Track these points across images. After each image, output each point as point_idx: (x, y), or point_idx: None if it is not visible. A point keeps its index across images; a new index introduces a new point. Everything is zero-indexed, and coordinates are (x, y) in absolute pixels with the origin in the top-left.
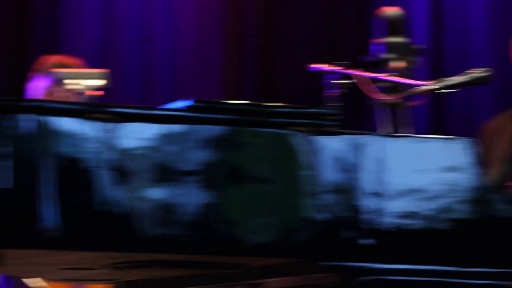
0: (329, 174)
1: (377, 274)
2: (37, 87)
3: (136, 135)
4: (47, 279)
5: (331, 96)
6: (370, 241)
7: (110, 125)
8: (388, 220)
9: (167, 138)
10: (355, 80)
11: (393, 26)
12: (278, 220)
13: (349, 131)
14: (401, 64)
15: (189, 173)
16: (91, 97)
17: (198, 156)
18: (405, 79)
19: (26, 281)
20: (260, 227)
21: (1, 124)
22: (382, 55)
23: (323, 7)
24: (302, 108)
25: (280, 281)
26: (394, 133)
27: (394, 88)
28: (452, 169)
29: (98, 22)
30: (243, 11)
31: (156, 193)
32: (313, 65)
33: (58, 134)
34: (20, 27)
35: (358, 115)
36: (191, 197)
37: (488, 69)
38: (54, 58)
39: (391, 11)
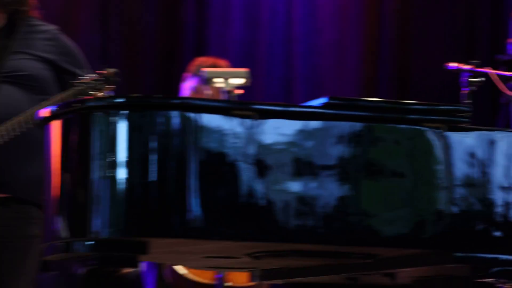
0: (462, 168)
1: (510, 265)
2: (188, 87)
3: (276, 130)
4: (188, 266)
5: (466, 93)
6: (502, 233)
7: (251, 122)
8: None
9: (304, 133)
10: (488, 78)
11: None
12: (412, 213)
13: (481, 127)
14: None
15: (326, 167)
16: (233, 95)
17: (334, 151)
18: None
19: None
20: (395, 219)
21: (151, 120)
22: None
23: (458, 7)
24: (436, 105)
25: (412, 270)
26: None
27: None
28: None
29: (243, 24)
30: (380, 12)
31: (294, 186)
32: (449, 64)
33: (203, 130)
34: (172, 30)
35: (491, 111)
36: (327, 190)
37: None
38: (203, 60)
39: None
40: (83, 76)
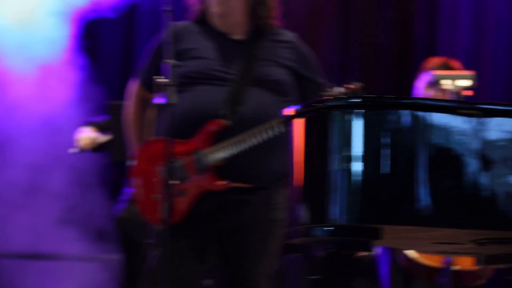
0: None
1: None
2: (420, 86)
3: (499, 128)
4: (419, 251)
5: None
6: None
7: (476, 120)
8: None
9: None
10: None
11: None
12: None
13: None
14: None
15: None
16: (460, 96)
17: None
18: None
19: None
20: None
21: (384, 118)
22: None
23: None
24: None
25: None
26: None
27: None
28: None
29: (469, 31)
30: None
31: None
32: None
33: (431, 127)
34: (404, 41)
35: None
36: None
37: None
38: (435, 60)
39: None
40: (330, 88)
